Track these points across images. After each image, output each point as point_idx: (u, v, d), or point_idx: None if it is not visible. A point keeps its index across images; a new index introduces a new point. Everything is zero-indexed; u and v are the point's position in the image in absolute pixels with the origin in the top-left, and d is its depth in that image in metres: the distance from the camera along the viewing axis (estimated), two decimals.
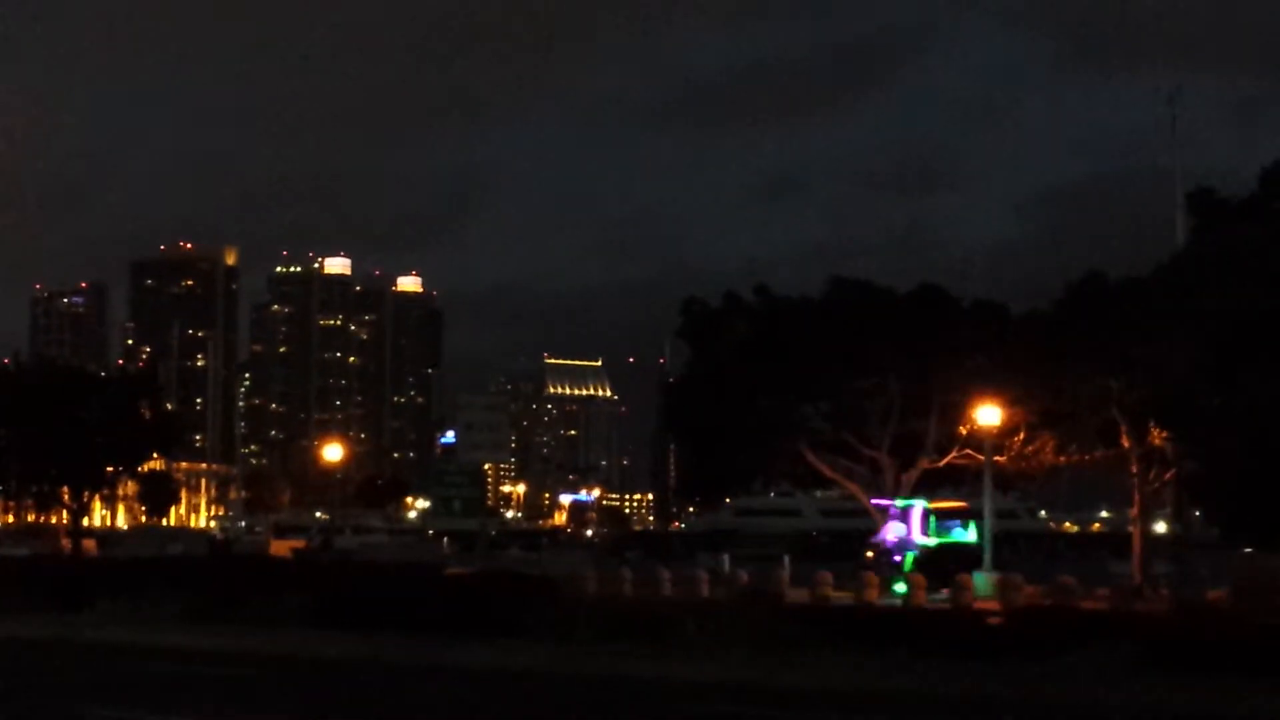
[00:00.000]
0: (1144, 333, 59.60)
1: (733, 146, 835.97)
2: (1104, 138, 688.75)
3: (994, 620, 52.39)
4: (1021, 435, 71.38)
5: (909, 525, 74.59)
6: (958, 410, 71.64)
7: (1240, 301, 54.81)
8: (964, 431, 72.75)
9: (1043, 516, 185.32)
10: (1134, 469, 69.12)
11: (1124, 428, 66.94)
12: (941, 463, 75.55)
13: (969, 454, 73.20)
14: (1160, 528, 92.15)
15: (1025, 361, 67.08)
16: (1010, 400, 68.03)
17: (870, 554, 76.28)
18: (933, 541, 76.28)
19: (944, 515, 79.86)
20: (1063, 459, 72.85)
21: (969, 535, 78.73)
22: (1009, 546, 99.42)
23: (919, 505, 75.00)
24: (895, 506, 74.87)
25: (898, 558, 73.63)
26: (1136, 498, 70.83)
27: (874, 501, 77.74)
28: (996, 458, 70.47)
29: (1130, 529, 78.95)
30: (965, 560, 72.07)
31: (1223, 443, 53.83)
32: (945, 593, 62.06)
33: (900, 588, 65.71)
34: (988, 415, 67.57)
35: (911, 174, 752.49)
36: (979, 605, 58.49)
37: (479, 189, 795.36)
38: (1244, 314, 54.09)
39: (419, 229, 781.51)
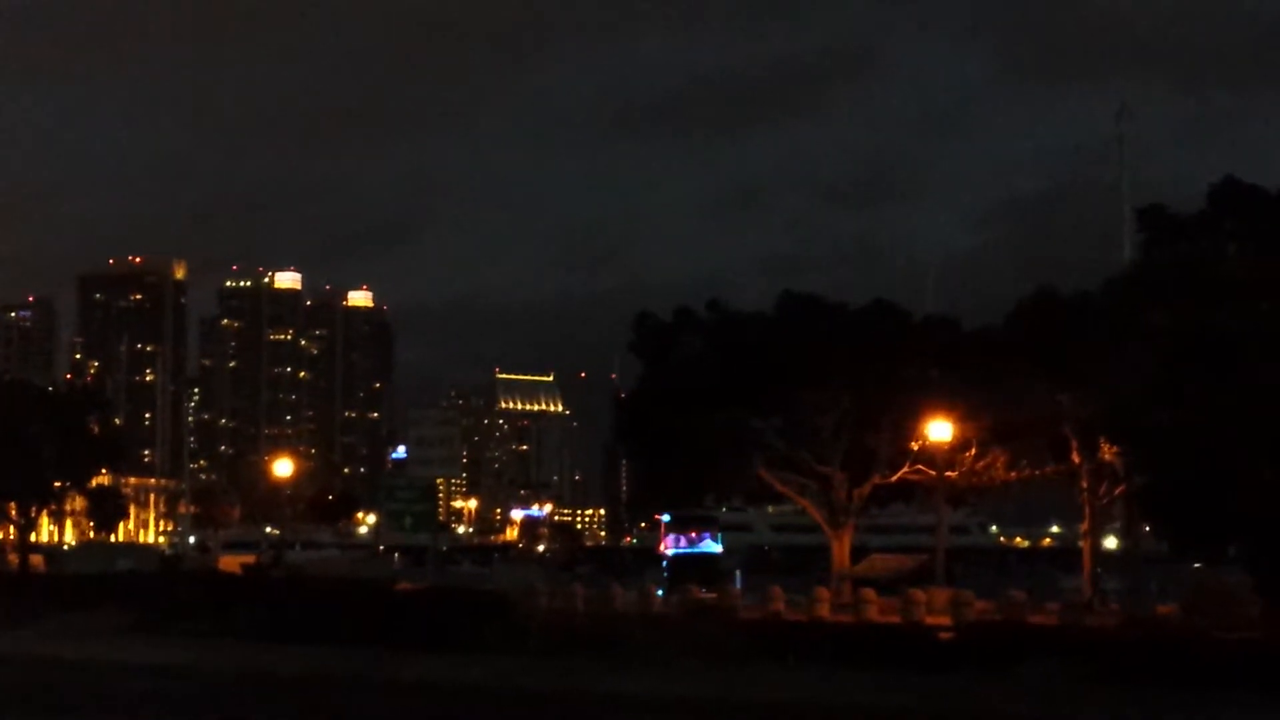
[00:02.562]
0: (1093, 348, 59.78)
1: (689, 159, 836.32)
2: (1057, 152, 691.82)
3: (945, 635, 52.57)
4: (973, 450, 71.49)
5: (674, 538, 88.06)
6: (910, 425, 71.67)
7: (1188, 317, 55.12)
8: (916, 447, 72.76)
9: (994, 531, 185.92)
10: (1084, 484, 69.32)
11: (1074, 443, 67.14)
12: (894, 478, 75.52)
13: (921, 469, 73.23)
14: (1110, 543, 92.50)
15: (977, 377, 67.17)
16: (962, 415, 68.14)
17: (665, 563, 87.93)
18: (684, 551, 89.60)
19: (696, 528, 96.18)
20: (1014, 474, 72.98)
21: (716, 547, 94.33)
22: (960, 562, 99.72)
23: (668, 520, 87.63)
24: (664, 521, 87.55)
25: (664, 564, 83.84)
26: (1087, 512, 71.03)
27: (657, 517, 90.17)
28: (948, 473, 70.57)
29: (1080, 544, 79.22)
30: (706, 568, 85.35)
31: (1171, 458, 54.00)
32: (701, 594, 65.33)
33: (660, 591, 70.79)
34: (939, 431, 67.68)
35: (867, 187, 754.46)
36: (930, 620, 58.64)
37: (431, 200, 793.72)
38: (1192, 330, 54.39)
39: (371, 240, 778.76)
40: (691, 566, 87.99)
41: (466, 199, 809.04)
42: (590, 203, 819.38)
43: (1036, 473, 72.52)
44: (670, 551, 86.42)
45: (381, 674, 43.87)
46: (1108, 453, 66.14)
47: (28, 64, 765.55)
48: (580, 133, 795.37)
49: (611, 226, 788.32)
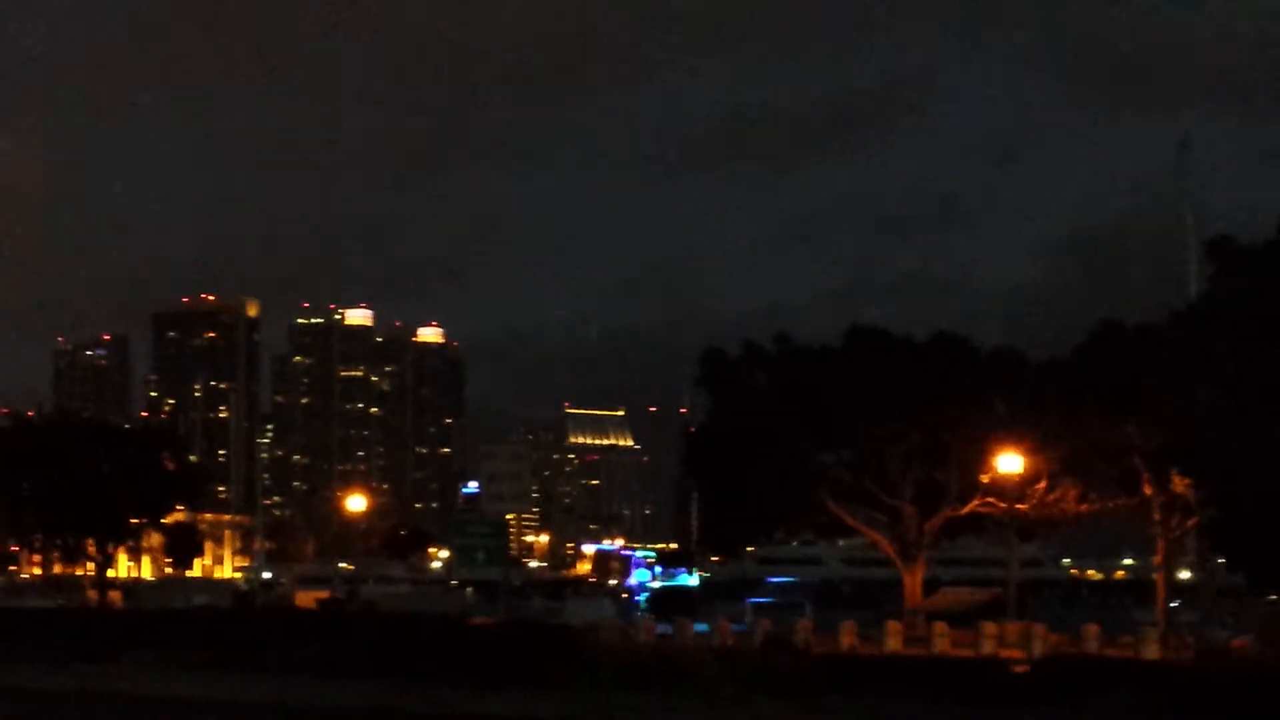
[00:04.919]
0: (1161, 379, 59.58)
1: (749, 191, 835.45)
2: (1120, 182, 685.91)
3: (1018, 669, 52.43)
4: (1043, 483, 71.21)
5: (650, 572, 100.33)
6: (979, 458, 71.49)
7: (1255, 348, 54.86)
8: (985, 480, 72.59)
9: (1066, 564, 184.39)
10: (1156, 516, 68.93)
11: (1145, 475, 66.83)
12: (964, 511, 75.37)
13: (991, 502, 73.04)
14: (1184, 575, 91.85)
15: (1044, 409, 67.01)
16: (1031, 448, 67.93)
17: (625, 595, 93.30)
18: (659, 585, 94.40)
19: (671, 563, 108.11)
20: (1084, 506, 72.64)
21: (691, 580, 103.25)
22: (1032, 595, 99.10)
23: (647, 555, 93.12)
24: (636, 556, 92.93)
25: (638, 598, 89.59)
26: (1159, 545, 70.62)
27: (622, 552, 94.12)
28: (1018, 505, 70.33)
29: (1154, 576, 78.67)
30: (683, 601, 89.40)
31: (1241, 488, 53.72)
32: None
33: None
34: (1009, 463, 67.47)
35: (927, 218, 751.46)
36: (1003, 654, 58.49)
37: (493, 237, 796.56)
38: (1260, 359, 54.14)
39: (436, 277, 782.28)
40: (671, 598, 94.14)
41: (528, 235, 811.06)
42: (652, 237, 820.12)
43: (1107, 505, 72.16)
44: (656, 585, 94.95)
45: (454, 709, 44.29)
46: (1179, 484, 65.75)
47: (99, 104, 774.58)
48: (642, 167, 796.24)
49: (673, 260, 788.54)
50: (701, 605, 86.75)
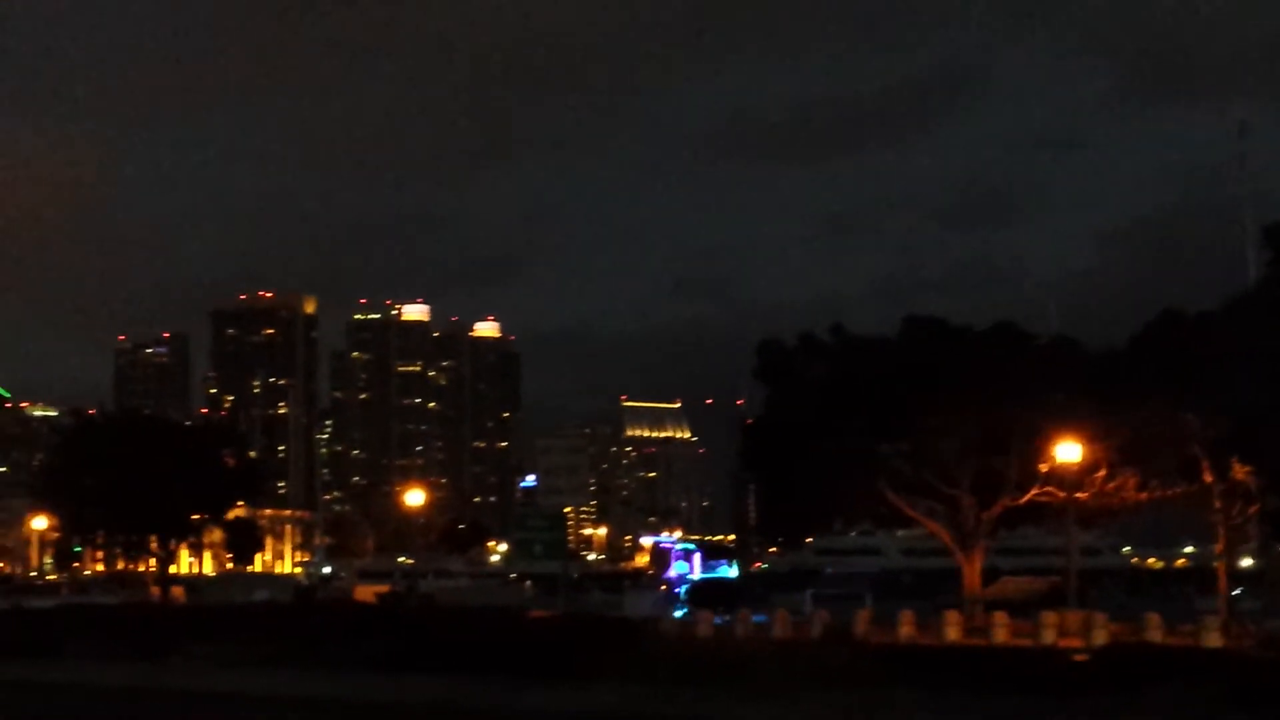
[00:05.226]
0: (1219, 367, 59.20)
1: (800, 182, 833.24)
2: (1176, 169, 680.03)
3: (1078, 658, 52.21)
4: (1102, 472, 70.91)
5: (690, 564, 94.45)
6: (1037, 448, 71.23)
7: None
8: (1044, 469, 72.31)
9: (1126, 553, 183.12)
10: (1217, 503, 68.54)
11: (1205, 462, 66.45)
12: (1023, 500, 75.12)
13: (1050, 491, 72.76)
14: (1246, 562, 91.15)
15: (1103, 398, 66.72)
16: (1090, 437, 67.66)
17: (663, 587, 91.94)
18: (700, 577, 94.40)
19: (711, 555, 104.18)
20: (1144, 495, 72.32)
21: (731, 572, 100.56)
22: (1092, 584, 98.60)
23: (687, 546, 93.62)
24: (676, 548, 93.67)
25: (678, 590, 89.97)
26: (1220, 532, 70.22)
27: (659, 544, 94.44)
28: (1078, 494, 70.06)
29: (1215, 564, 78.18)
30: (724, 592, 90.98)
31: None
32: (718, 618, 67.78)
33: (678, 613, 74.70)
34: (1067, 452, 67.25)
35: (981, 207, 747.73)
36: (1063, 643, 58.28)
37: (546, 231, 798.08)
38: None
39: (489, 272, 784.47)
40: (711, 591, 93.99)
41: (580, 228, 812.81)
42: (704, 228, 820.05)
43: (1167, 493, 71.78)
44: (695, 577, 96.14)
45: (513, 703, 44.45)
46: (1239, 472, 65.35)
47: (153, 104, 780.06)
48: (692, 159, 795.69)
49: (725, 252, 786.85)
50: (743, 596, 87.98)
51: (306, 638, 60.76)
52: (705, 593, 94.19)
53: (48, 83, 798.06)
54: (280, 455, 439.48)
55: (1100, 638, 58.16)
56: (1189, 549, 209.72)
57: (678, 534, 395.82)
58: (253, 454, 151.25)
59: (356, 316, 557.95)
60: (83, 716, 43.92)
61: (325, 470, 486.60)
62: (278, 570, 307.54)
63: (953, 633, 62.85)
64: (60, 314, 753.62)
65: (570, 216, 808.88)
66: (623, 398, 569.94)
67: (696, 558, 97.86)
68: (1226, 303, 63.12)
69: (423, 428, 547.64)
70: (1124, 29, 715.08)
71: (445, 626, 61.99)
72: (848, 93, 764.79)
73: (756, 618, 68.08)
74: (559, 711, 42.11)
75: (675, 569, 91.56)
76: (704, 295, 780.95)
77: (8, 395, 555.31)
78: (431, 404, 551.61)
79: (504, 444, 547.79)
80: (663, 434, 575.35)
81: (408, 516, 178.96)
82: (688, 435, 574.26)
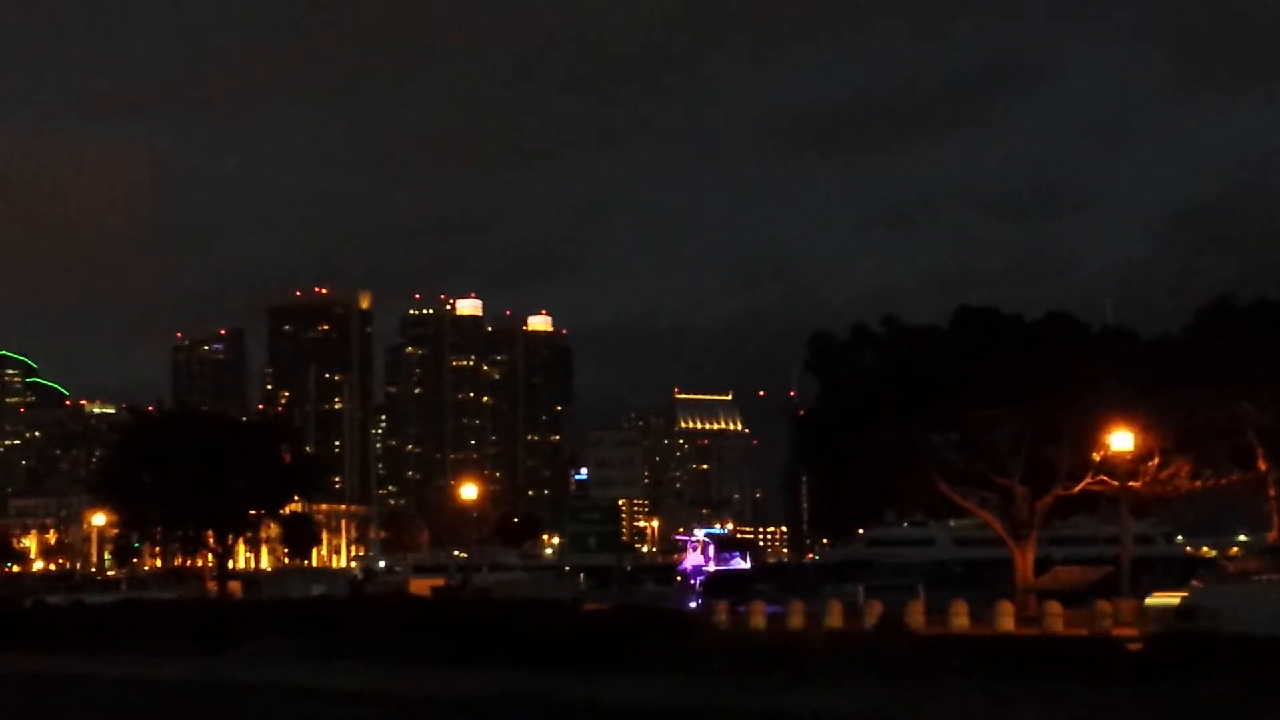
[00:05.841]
0: (1274, 354, 59.06)
1: (855, 174, 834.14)
2: (1231, 160, 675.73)
3: (1133, 647, 52.07)
4: (1156, 460, 70.82)
5: (705, 556, 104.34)
6: (1090, 437, 71.15)
7: None
8: (1097, 458, 72.22)
9: (1179, 541, 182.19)
10: (1271, 491, 68.45)
11: (1259, 450, 66.32)
12: (1075, 489, 75.04)
13: (1103, 480, 72.68)
14: None
15: (1157, 387, 66.59)
16: (1143, 426, 67.54)
17: (679, 578, 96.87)
18: (714, 568, 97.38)
19: (724, 547, 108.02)
20: (1198, 483, 72.18)
21: (744, 564, 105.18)
22: (1147, 573, 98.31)
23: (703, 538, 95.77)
24: (693, 540, 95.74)
25: (694, 581, 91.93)
26: (1274, 520, 70.08)
27: (676, 536, 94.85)
28: (1131, 483, 69.96)
29: None
30: (738, 583, 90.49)
31: None
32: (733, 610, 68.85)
33: (691, 604, 75.44)
34: (1121, 441, 67.12)
35: (1034, 199, 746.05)
36: (1118, 632, 58.13)
37: (599, 224, 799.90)
38: None
39: (542, 266, 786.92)
40: (726, 583, 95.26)
41: (633, 222, 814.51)
42: (757, 221, 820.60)
43: (1221, 481, 71.66)
44: (710, 568, 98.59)
45: (569, 695, 44.76)
46: None
47: (208, 105, 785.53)
48: (746, 151, 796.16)
49: (779, 244, 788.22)
50: (755, 588, 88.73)
51: (363, 632, 61.20)
52: (720, 583, 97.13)
53: (106, 85, 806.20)
54: (336, 450, 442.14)
55: (1154, 627, 57.97)
56: (1242, 537, 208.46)
57: (730, 525, 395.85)
58: (309, 449, 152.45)
59: (411, 312, 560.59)
60: (139, 709, 44.48)
61: (380, 465, 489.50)
62: (334, 565, 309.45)
63: (1006, 623, 62.80)
64: (118, 313, 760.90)
65: (626, 211, 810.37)
66: (675, 390, 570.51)
67: (710, 549, 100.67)
68: None
69: (476, 422, 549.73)
70: (1175, 18, 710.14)
71: (500, 619, 62.30)
72: (903, 85, 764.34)
73: (771, 608, 68.53)
74: (614, 704, 42.38)
75: (690, 561, 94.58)
76: (757, 288, 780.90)
77: (66, 393, 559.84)
78: (485, 398, 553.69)
79: (557, 437, 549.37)
80: (715, 426, 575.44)
81: (462, 510, 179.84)
82: (740, 427, 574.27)
